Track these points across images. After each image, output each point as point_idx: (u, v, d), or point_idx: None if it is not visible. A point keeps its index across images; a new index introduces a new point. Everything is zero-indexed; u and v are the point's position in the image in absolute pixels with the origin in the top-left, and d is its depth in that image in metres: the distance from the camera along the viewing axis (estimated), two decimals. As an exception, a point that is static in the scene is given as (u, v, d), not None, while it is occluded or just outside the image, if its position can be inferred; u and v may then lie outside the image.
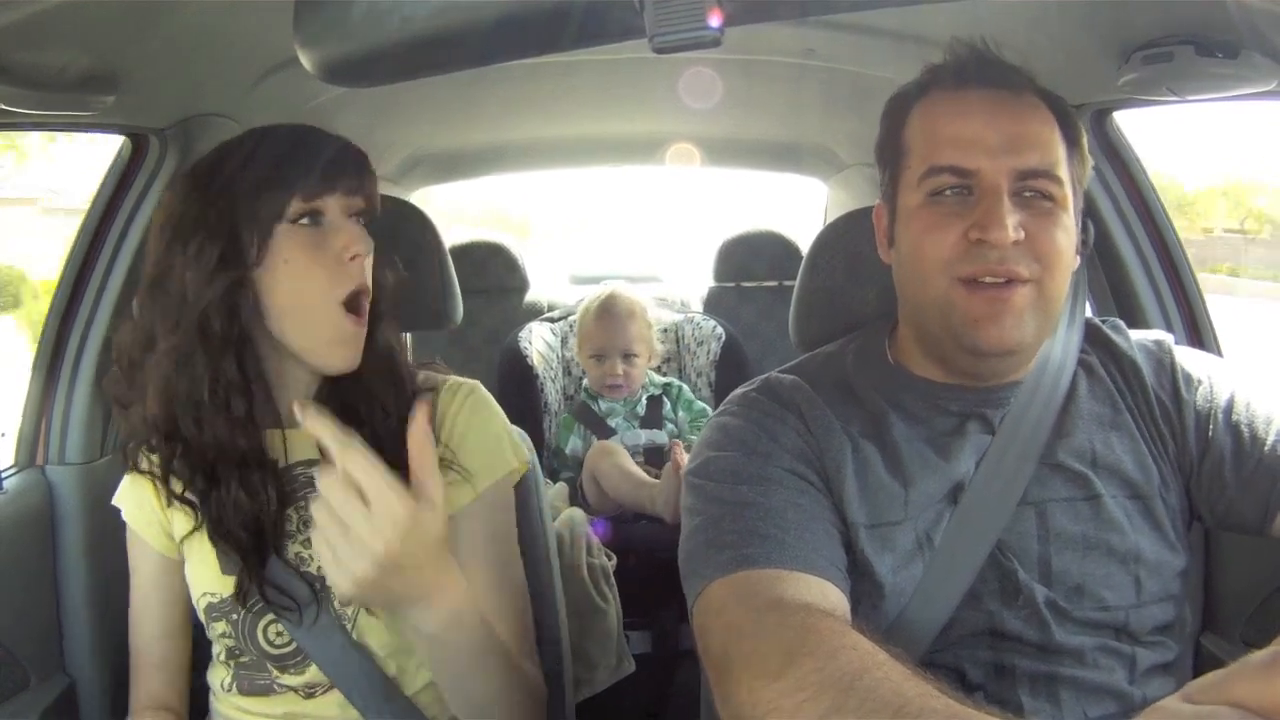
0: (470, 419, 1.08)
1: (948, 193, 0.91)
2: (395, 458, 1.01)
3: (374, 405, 1.02)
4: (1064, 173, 0.92)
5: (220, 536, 1.01)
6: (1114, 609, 0.90)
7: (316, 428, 0.84)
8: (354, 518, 0.82)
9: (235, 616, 1.04)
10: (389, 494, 0.82)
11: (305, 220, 0.97)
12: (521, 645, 1.07)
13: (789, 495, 0.89)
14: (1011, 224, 0.87)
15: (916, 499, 0.91)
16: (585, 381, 2.35)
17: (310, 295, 0.97)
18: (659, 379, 2.34)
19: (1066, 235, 0.91)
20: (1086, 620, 0.89)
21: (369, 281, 1.01)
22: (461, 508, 1.05)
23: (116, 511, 1.10)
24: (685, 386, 2.35)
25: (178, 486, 1.01)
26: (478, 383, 1.12)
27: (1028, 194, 0.90)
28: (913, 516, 0.91)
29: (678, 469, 1.88)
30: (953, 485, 0.92)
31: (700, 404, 2.33)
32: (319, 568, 1.01)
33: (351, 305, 0.99)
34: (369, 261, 1.01)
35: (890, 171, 0.98)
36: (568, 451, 2.27)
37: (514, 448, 1.11)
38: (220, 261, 0.94)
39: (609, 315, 2.28)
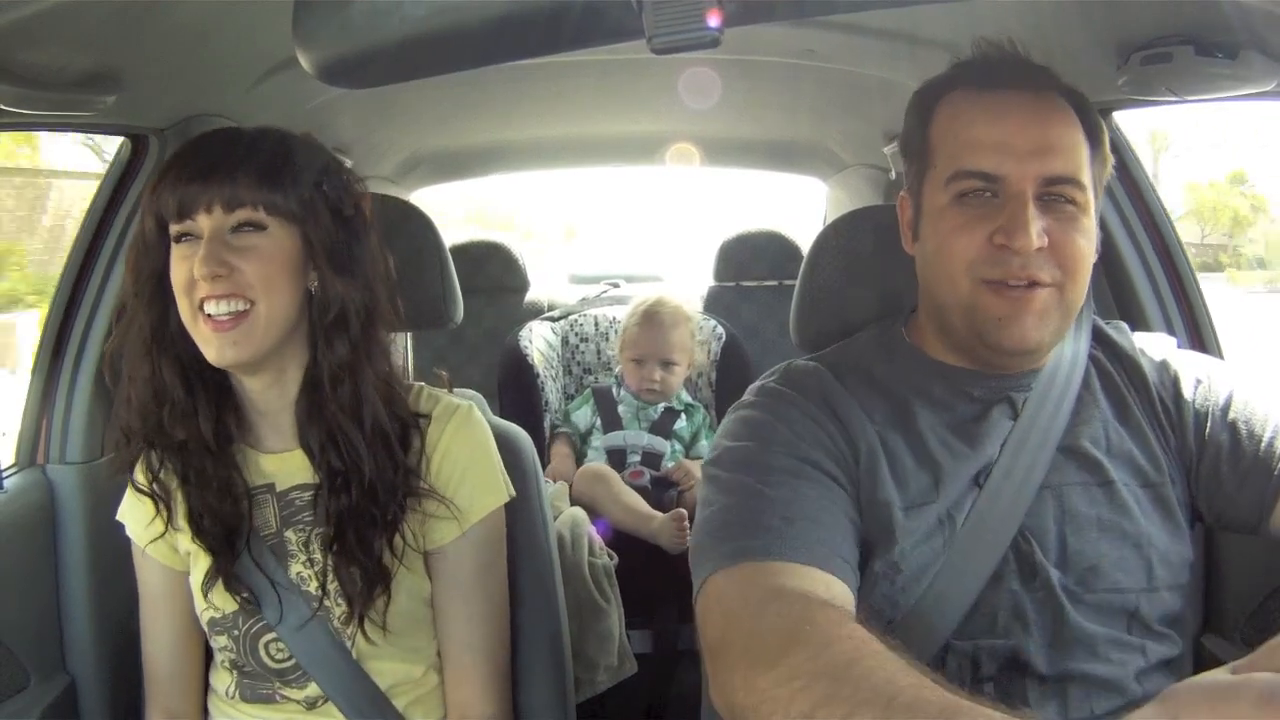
0: (461, 453, 1.07)
1: (973, 196, 0.92)
2: (379, 492, 1.01)
3: (338, 439, 1.01)
4: (1086, 177, 0.93)
5: (198, 531, 1.04)
6: (1127, 592, 0.91)
7: None
8: None
9: (236, 632, 1.05)
10: None
11: (183, 240, 0.98)
12: (490, 685, 1.07)
13: (799, 486, 0.89)
14: (1035, 231, 0.88)
15: (946, 484, 0.93)
16: (619, 370, 2.36)
17: (183, 310, 0.98)
18: (686, 397, 2.34)
19: (1087, 240, 0.93)
20: (1100, 604, 0.91)
21: (213, 291, 0.95)
22: (447, 543, 1.05)
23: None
24: (709, 419, 2.32)
25: (165, 482, 1.05)
26: (472, 405, 1.11)
27: (1050, 199, 0.91)
28: (941, 499, 0.93)
29: (680, 521, 1.88)
30: (978, 469, 0.94)
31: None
32: (319, 587, 1.03)
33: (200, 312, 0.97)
34: (254, 275, 0.96)
35: (916, 166, 0.99)
36: (574, 417, 2.29)
37: (505, 478, 1.10)
38: (151, 296, 1.00)
39: (652, 322, 2.27)
